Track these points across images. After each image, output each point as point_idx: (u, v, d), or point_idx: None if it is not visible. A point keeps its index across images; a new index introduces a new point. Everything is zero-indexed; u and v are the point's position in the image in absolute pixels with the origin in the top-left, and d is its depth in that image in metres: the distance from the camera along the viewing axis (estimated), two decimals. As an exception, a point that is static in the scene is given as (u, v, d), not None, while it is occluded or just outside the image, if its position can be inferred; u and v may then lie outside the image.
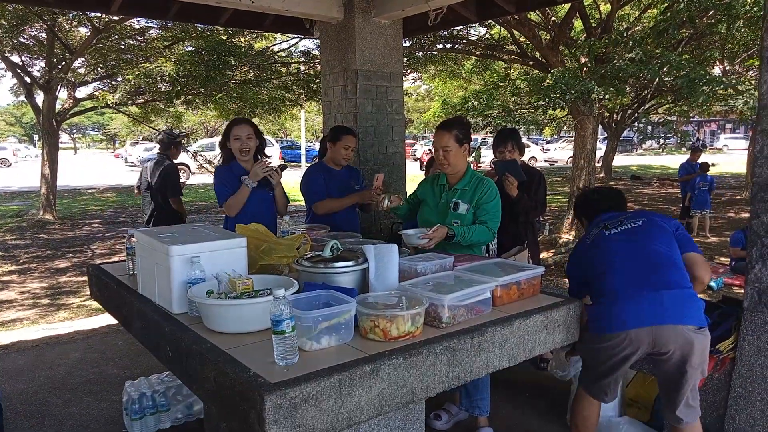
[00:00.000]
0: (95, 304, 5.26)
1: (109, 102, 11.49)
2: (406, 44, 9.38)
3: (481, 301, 2.16)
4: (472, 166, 3.04)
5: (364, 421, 1.72)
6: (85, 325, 5.07)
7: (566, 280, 6.62)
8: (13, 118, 45.29)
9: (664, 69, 6.44)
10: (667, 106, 14.48)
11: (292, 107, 13.65)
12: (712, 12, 6.87)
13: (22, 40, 10.92)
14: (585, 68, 7.78)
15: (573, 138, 10.82)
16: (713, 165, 17.45)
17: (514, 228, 3.50)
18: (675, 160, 23.91)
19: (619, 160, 27.01)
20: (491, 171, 3.68)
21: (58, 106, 12.19)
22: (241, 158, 3.39)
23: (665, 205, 13.53)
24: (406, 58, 9.89)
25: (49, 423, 3.19)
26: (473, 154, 21.16)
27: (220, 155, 3.58)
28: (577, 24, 9.79)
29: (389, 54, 4.74)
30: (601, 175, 18.47)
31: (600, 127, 13.35)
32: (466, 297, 2.07)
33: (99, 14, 9.79)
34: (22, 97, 13.22)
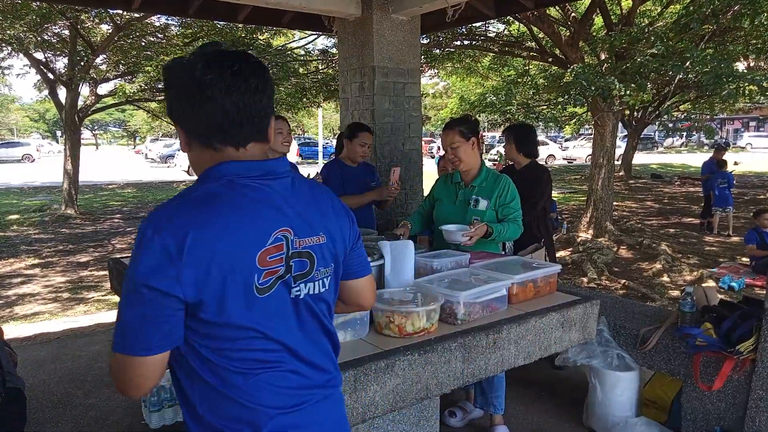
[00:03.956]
0: (115, 298, 5.34)
1: (127, 92, 11.64)
2: (424, 41, 9.35)
3: (497, 299, 2.15)
4: (496, 168, 3.05)
5: (379, 416, 1.73)
6: (105, 318, 5.16)
7: (584, 279, 6.60)
8: (37, 115, 46.10)
9: (688, 64, 6.33)
10: (690, 103, 14.25)
11: (310, 105, 13.72)
12: (737, 7, 6.75)
13: (45, 37, 11.11)
14: (605, 64, 7.68)
15: (592, 136, 10.71)
16: (736, 164, 17.16)
17: (528, 226, 3.47)
18: (697, 159, 23.54)
19: (640, 158, 26.67)
20: (500, 164, 3.66)
21: (80, 103, 12.39)
22: (280, 151, 3.43)
23: (686, 204, 13.34)
24: (423, 55, 9.86)
25: (70, 414, 3.25)
26: (498, 157, 20.85)
27: None
28: (598, 20, 9.67)
29: (407, 50, 4.72)
30: (621, 174, 18.25)
31: (620, 124, 13.19)
32: (481, 294, 2.07)
33: (120, 12, 9.92)
34: (46, 93, 13.46)
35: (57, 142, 43.98)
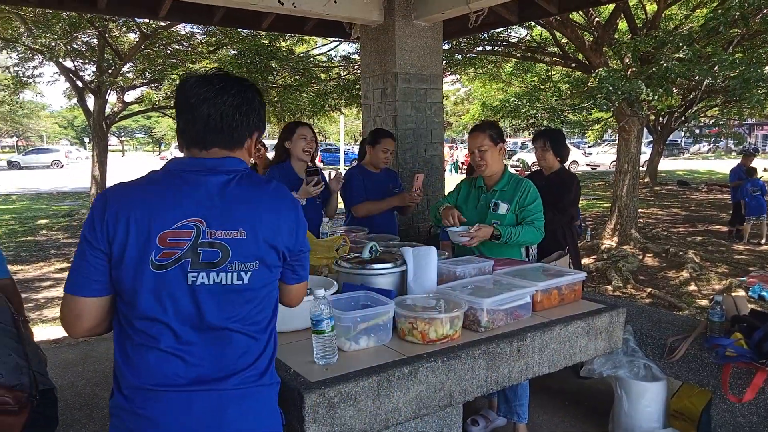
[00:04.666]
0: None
1: (153, 100, 11.86)
2: (446, 47, 9.35)
3: (521, 306, 2.13)
4: (519, 174, 3.02)
5: (402, 423, 1.72)
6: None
7: (608, 287, 6.50)
8: (66, 122, 47.19)
9: (715, 69, 6.20)
10: (717, 108, 14.00)
11: (331, 112, 13.81)
12: (766, 10, 6.61)
13: (75, 46, 11.38)
14: (630, 69, 7.58)
15: (616, 142, 10.56)
16: (766, 170, 16.78)
17: (552, 233, 3.44)
18: (724, 165, 23.07)
19: (666, 164, 26.25)
20: (522, 170, 3.64)
21: (107, 110, 12.65)
22: (301, 158, 3.45)
23: (714, 212, 13.06)
24: (445, 61, 9.84)
25: (98, 416, 3.30)
26: (521, 163, 20.80)
27: (274, 155, 3.66)
28: (622, 25, 9.57)
29: (429, 56, 4.73)
30: (646, 180, 17.96)
31: (645, 130, 12.97)
32: (505, 301, 2.05)
33: (147, 20, 10.12)
34: (74, 100, 13.78)
35: (85, 148, 44.90)
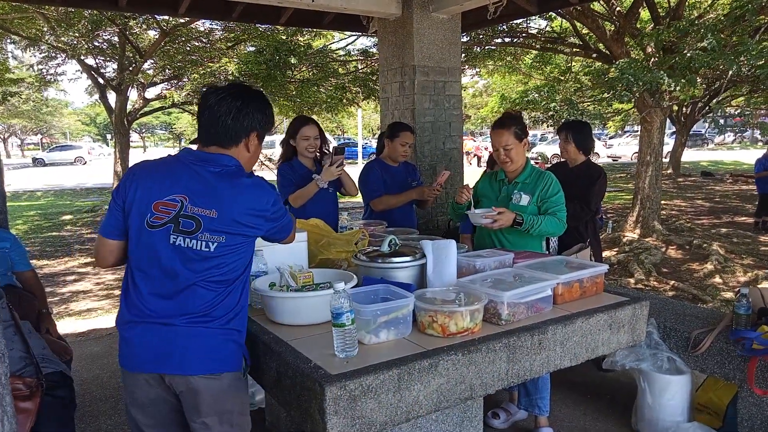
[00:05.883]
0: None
1: (175, 100, 11.98)
2: (464, 39, 9.27)
3: (542, 299, 2.11)
4: (539, 167, 2.98)
5: (423, 415, 1.73)
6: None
7: (630, 279, 6.41)
8: (88, 119, 47.85)
9: (741, 57, 6.05)
10: (743, 97, 13.67)
11: (349, 106, 13.79)
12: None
13: (96, 43, 11.54)
14: (652, 59, 7.44)
15: (638, 133, 10.38)
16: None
17: (573, 226, 3.39)
18: (750, 155, 22.57)
19: (689, 155, 25.74)
20: (542, 163, 3.59)
21: (128, 107, 12.81)
22: (306, 156, 3.48)
23: (739, 203, 12.81)
24: (463, 53, 9.76)
25: (122, 408, 3.35)
26: (539, 156, 20.53)
27: (281, 152, 3.67)
28: (644, 14, 9.39)
29: (447, 49, 4.70)
30: (669, 171, 17.66)
31: (668, 121, 12.71)
32: (526, 294, 2.04)
33: (167, 17, 10.21)
34: (96, 97, 13.99)
35: (107, 145, 45.56)
